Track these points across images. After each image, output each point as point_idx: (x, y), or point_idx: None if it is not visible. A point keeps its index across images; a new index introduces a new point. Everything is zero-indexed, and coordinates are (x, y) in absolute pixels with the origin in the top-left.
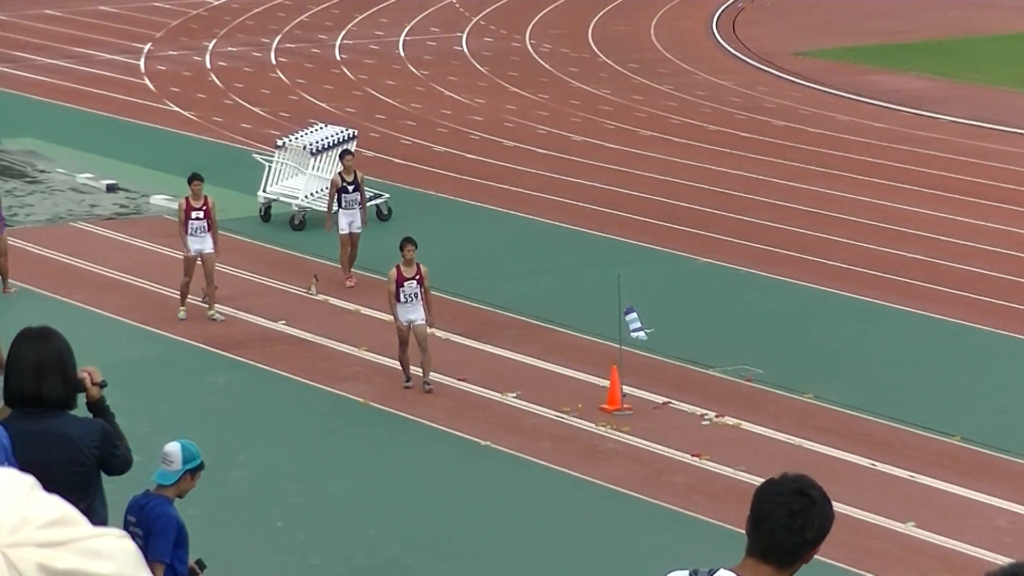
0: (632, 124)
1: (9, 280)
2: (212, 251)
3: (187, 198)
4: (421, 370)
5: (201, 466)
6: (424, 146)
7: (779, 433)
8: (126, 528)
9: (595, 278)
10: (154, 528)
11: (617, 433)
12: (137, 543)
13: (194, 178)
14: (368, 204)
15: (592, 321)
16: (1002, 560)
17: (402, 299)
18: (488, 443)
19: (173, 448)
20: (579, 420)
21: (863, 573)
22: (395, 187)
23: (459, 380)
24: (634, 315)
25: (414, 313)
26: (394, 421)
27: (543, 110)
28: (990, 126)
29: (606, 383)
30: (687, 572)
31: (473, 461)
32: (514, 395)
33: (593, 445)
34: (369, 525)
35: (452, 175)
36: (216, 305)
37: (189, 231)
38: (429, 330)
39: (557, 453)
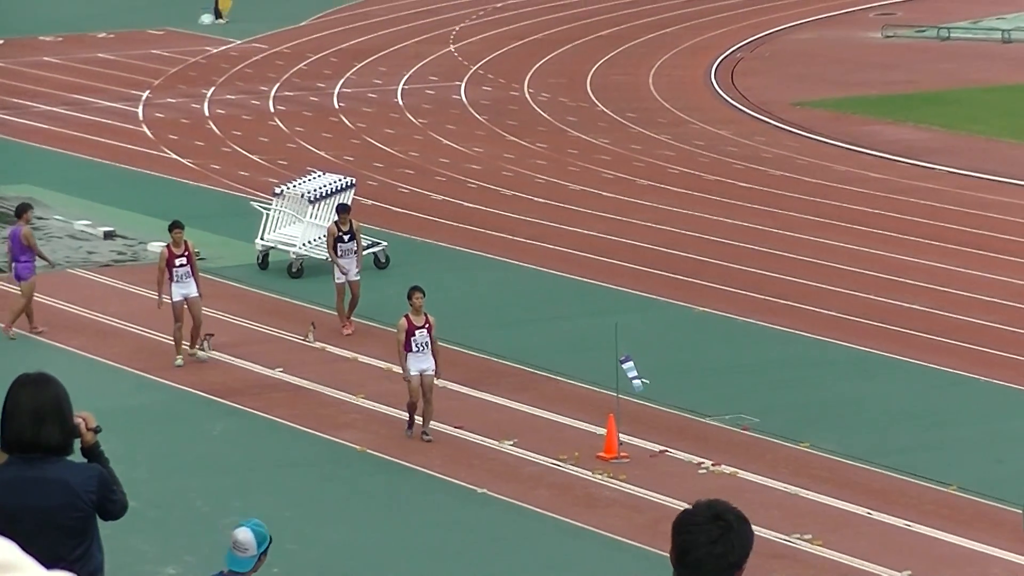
0: (630, 173)
1: (18, 326)
2: (198, 295)
3: (168, 246)
4: (422, 419)
5: (271, 541)
6: (422, 194)
7: (776, 482)
8: None
9: (592, 327)
10: None
11: (614, 481)
12: None
13: (175, 226)
14: (366, 252)
15: (589, 370)
16: None
17: (413, 348)
18: (485, 491)
19: (246, 537)
20: (576, 468)
21: None
22: (393, 235)
23: (456, 428)
24: (631, 364)
25: (425, 362)
26: (391, 468)
27: (541, 159)
28: (987, 177)
29: (603, 431)
30: None
31: (470, 509)
32: (511, 443)
33: (590, 493)
34: (366, 572)
35: (450, 223)
36: (184, 345)
37: (174, 278)
38: (436, 381)
39: (554, 501)
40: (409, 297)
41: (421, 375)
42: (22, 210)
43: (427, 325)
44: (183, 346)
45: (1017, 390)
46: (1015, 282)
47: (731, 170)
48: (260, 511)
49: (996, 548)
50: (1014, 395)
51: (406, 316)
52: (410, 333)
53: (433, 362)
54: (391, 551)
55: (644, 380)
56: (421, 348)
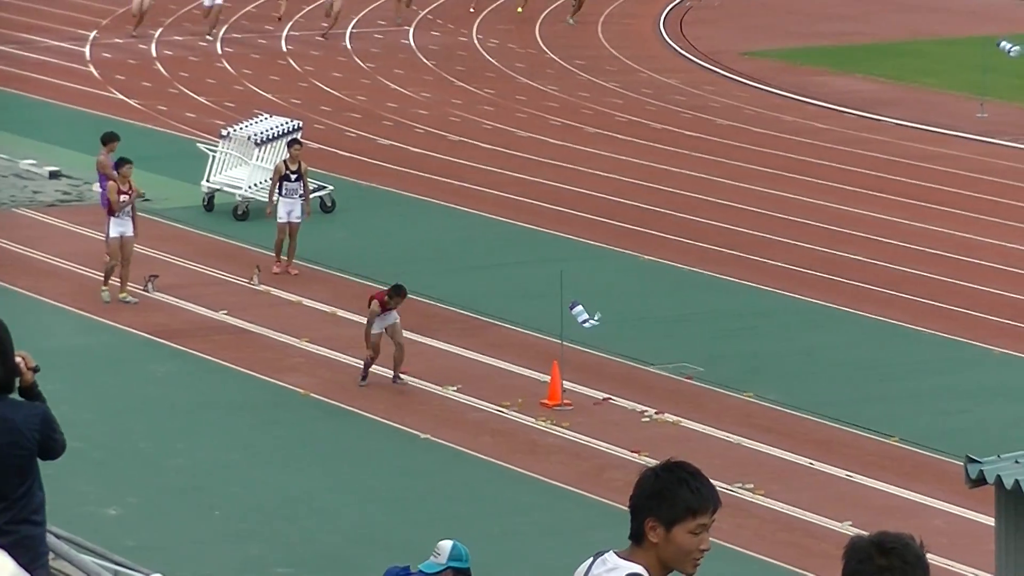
0: (578, 121)
1: None
2: (133, 235)
3: (116, 182)
4: (394, 360)
5: (467, 572)
6: (369, 139)
7: (719, 431)
8: None
9: (538, 274)
10: None
11: (557, 428)
12: None
13: (124, 162)
14: (312, 196)
15: (534, 317)
16: (940, 561)
17: (376, 322)
18: (428, 436)
19: (445, 543)
20: (520, 415)
21: (800, 571)
22: (339, 179)
23: (401, 373)
24: (580, 308)
25: (390, 319)
26: (335, 413)
27: (489, 105)
28: (935, 130)
29: (547, 379)
30: (591, 558)
31: (413, 454)
32: (455, 389)
33: (533, 440)
34: (309, 516)
35: (396, 168)
36: (128, 286)
37: (116, 214)
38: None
39: (497, 448)
40: (390, 296)
41: (385, 330)
42: None
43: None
44: (113, 283)
45: (961, 342)
46: (958, 234)
47: (679, 119)
48: (204, 454)
49: (938, 500)
50: (958, 347)
51: (381, 300)
52: (382, 311)
53: (397, 316)
54: (334, 495)
55: (595, 320)
56: (382, 322)
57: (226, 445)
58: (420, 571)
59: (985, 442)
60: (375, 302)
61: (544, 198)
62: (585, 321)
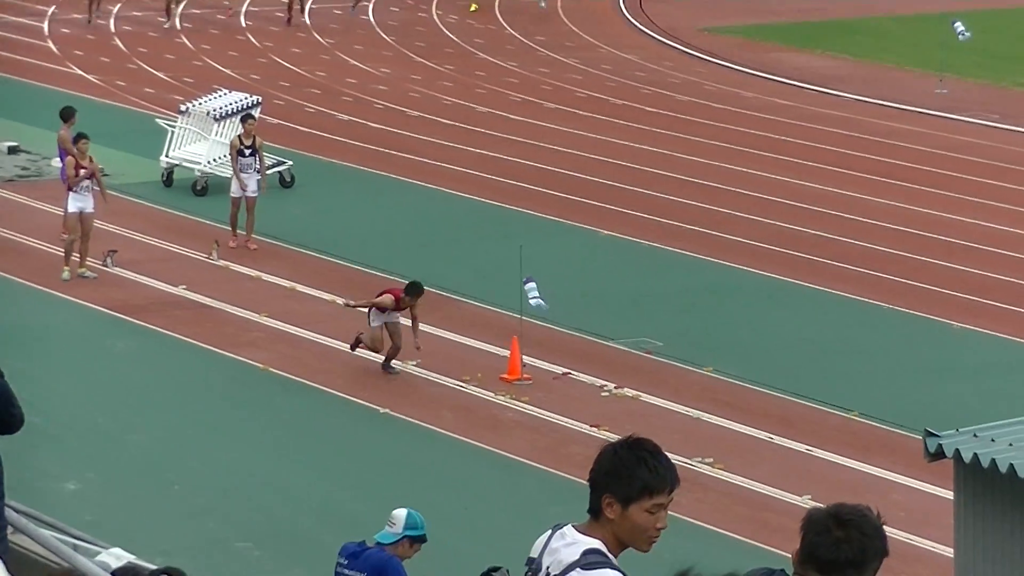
0: (537, 96)
1: None
2: (93, 211)
3: (75, 157)
4: (387, 355)
5: (423, 538)
6: (328, 114)
7: (678, 406)
8: (337, 570)
9: (497, 250)
10: (388, 572)
11: (517, 403)
12: None
13: (81, 137)
14: (271, 171)
15: (494, 292)
16: (899, 535)
17: (386, 315)
18: (387, 411)
19: (399, 512)
20: (479, 390)
21: (760, 545)
22: (298, 154)
23: (360, 348)
24: (533, 285)
25: (392, 316)
26: (293, 387)
27: (448, 81)
28: (896, 105)
29: (506, 353)
30: (549, 531)
31: (372, 429)
32: (414, 364)
33: (493, 415)
34: (268, 491)
35: (356, 144)
36: (88, 262)
37: (74, 189)
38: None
39: (457, 422)
40: (407, 293)
41: (385, 325)
42: None
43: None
44: (73, 259)
45: (921, 318)
46: (919, 210)
47: (639, 95)
48: (163, 429)
49: (897, 474)
50: (918, 323)
51: (396, 298)
52: (393, 310)
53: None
54: (292, 470)
55: (543, 302)
56: (384, 318)
57: (185, 420)
58: (377, 542)
59: (944, 416)
60: (389, 297)
61: (504, 174)
62: (535, 299)
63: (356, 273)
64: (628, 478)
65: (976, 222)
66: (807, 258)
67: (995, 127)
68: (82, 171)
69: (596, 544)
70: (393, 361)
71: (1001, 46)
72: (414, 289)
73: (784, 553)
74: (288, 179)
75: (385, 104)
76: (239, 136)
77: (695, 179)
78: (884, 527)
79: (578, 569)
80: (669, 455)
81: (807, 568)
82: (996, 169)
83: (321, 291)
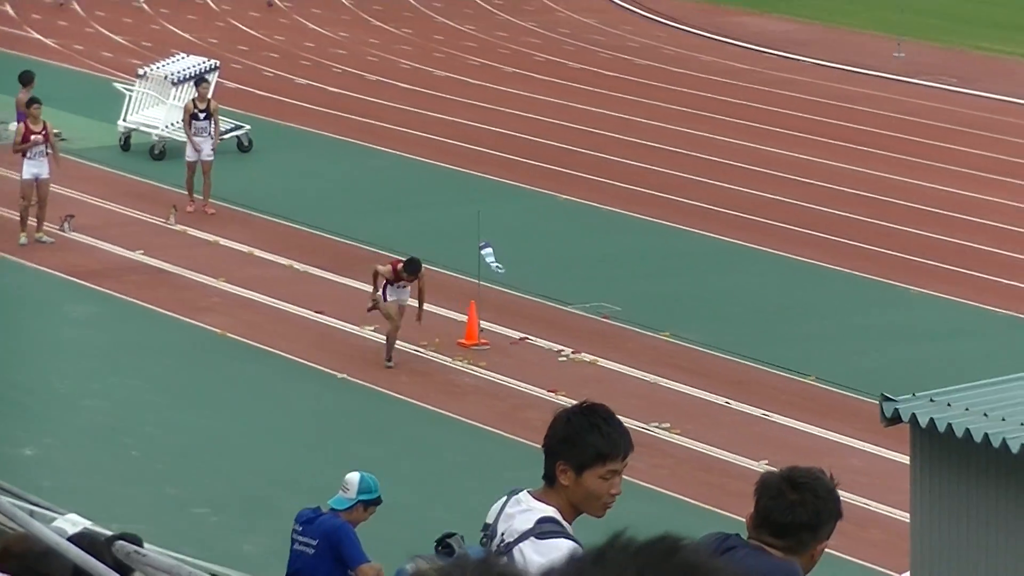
0: (496, 61)
1: None
2: (48, 176)
3: (26, 122)
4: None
5: (377, 501)
6: (286, 79)
7: (635, 370)
8: (292, 536)
9: (456, 214)
10: (340, 541)
11: (474, 368)
12: (306, 552)
13: (33, 102)
14: (229, 136)
15: (452, 257)
16: (856, 500)
17: (389, 294)
18: (345, 376)
19: (352, 477)
20: (437, 355)
21: (716, 510)
22: (257, 119)
23: (317, 313)
24: (489, 250)
25: (404, 295)
26: (252, 353)
27: (406, 45)
28: (853, 69)
29: (464, 319)
30: (505, 496)
31: (331, 394)
32: (372, 329)
33: (450, 380)
34: (227, 456)
35: (314, 108)
36: (45, 226)
37: (28, 155)
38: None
39: (415, 387)
40: (404, 270)
41: (399, 303)
42: None
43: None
44: (30, 223)
45: (878, 282)
46: (876, 174)
47: (597, 59)
48: (121, 394)
49: (854, 439)
50: (875, 287)
51: (394, 268)
52: (393, 281)
53: (408, 293)
54: (251, 436)
55: (499, 267)
56: (398, 294)
57: (143, 386)
58: (331, 508)
59: (901, 381)
60: (387, 267)
61: (462, 138)
62: (493, 263)
63: (314, 238)
64: (582, 445)
65: (933, 186)
66: (764, 222)
67: (953, 91)
68: (32, 137)
69: (551, 512)
70: (355, 327)
71: (959, 8)
72: (411, 267)
73: (740, 518)
74: (246, 143)
75: (343, 68)
76: (193, 100)
77: (653, 143)
78: (837, 489)
79: (532, 538)
80: (626, 420)
81: (761, 532)
82: (953, 133)
83: (279, 256)
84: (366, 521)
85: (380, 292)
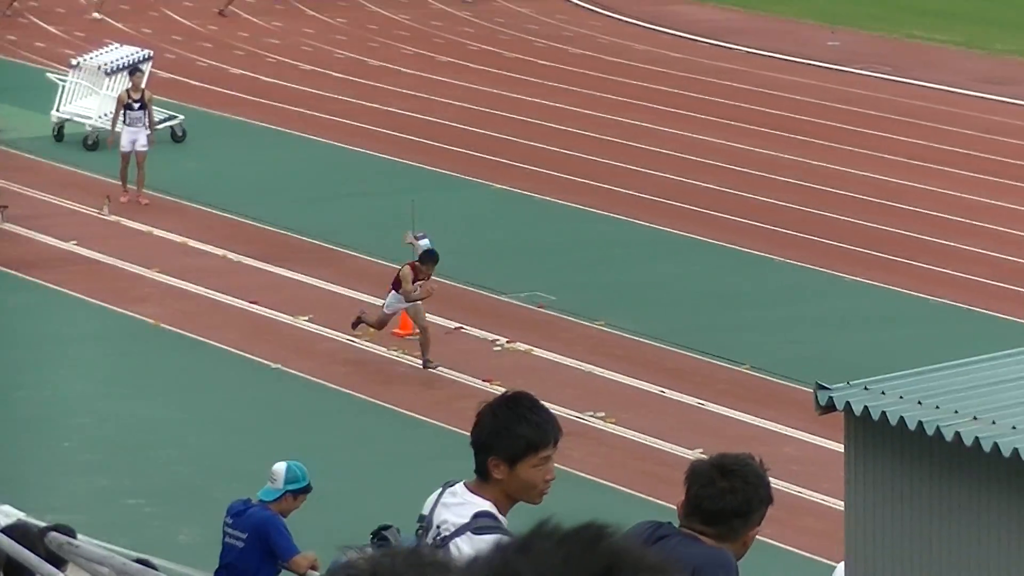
0: (430, 50)
1: None
2: None
3: None
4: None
5: (307, 489)
6: (220, 68)
7: (571, 360)
8: (223, 528)
9: (390, 204)
10: (268, 534)
11: (409, 358)
12: (236, 546)
13: None
14: (163, 126)
15: (386, 246)
16: (790, 488)
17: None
18: (279, 366)
19: (279, 467)
20: (371, 344)
21: (651, 499)
22: (190, 108)
23: (251, 303)
24: (426, 241)
25: (398, 301)
26: (186, 343)
27: (340, 34)
28: (786, 58)
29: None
30: (440, 488)
31: (265, 384)
32: (307, 319)
33: (385, 370)
34: (160, 446)
35: (249, 98)
36: None
37: None
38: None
39: (350, 377)
40: (422, 261)
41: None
42: None
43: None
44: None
45: (812, 270)
46: (811, 163)
47: (532, 48)
48: (54, 385)
49: (788, 427)
50: (810, 275)
51: (412, 267)
52: (415, 281)
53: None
54: (184, 426)
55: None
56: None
57: (76, 376)
58: (260, 500)
59: (835, 369)
60: (406, 268)
61: (396, 127)
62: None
63: (249, 228)
64: (511, 437)
65: (867, 174)
66: (698, 211)
67: (886, 79)
68: None
69: (486, 506)
70: (290, 316)
71: None
72: (430, 256)
73: (675, 506)
74: (180, 133)
75: (277, 58)
76: (127, 90)
77: (587, 132)
78: (768, 475)
79: (468, 533)
80: (561, 409)
81: (693, 520)
82: (887, 121)
83: (214, 246)
84: (299, 509)
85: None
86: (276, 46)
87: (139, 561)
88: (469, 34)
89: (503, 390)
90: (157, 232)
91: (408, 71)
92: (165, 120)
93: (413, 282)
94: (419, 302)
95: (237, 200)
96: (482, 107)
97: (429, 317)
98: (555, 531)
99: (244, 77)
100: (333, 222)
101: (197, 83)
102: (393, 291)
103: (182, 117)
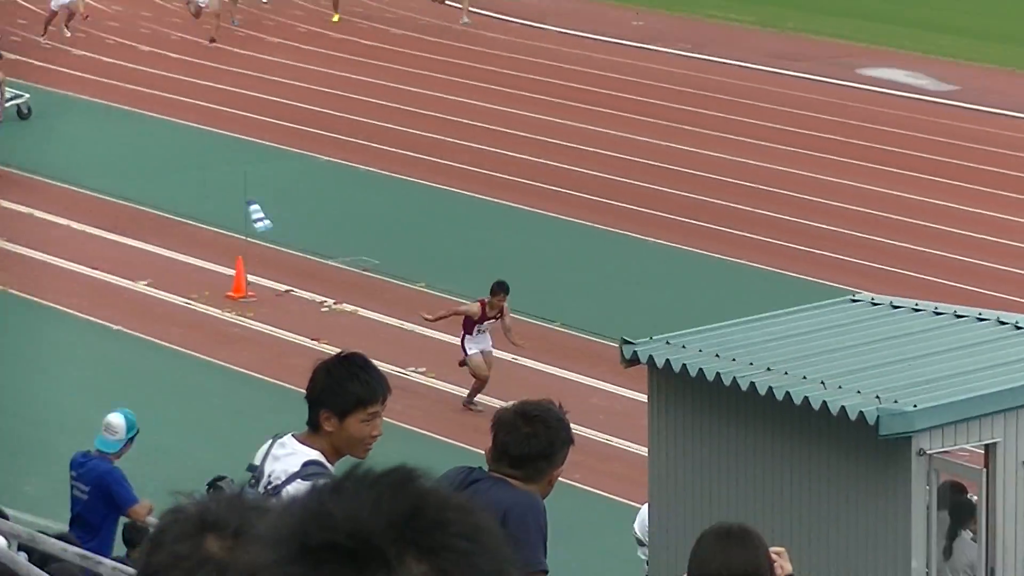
0: (261, 32)
1: None
2: None
3: None
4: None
5: (137, 432)
6: (63, 50)
7: (392, 319)
8: (70, 482)
9: (224, 175)
10: (109, 486)
11: (242, 319)
12: (81, 498)
13: None
14: (9, 104)
15: (219, 215)
16: (598, 436)
17: (474, 332)
18: (120, 328)
19: (117, 420)
20: (206, 307)
21: (467, 447)
22: (34, 87)
23: (92, 269)
24: (256, 207)
25: (485, 343)
26: (27, 306)
27: (177, 17)
28: (593, 37)
29: (232, 272)
30: (270, 439)
31: (106, 344)
32: (145, 283)
33: (220, 331)
34: (4, 403)
35: (90, 77)
36: None
37: None
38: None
39: (187, 338)
40: (493, 294)
41: (483, 354)
42: None
43: (499, 315)
44: None
45: (620, 234)
46: (617, 135)
47: (357, 29)
48: None
49: (596, 380)
50: (617, 239)
51: (481, 304)
52: (479, 320)
53: (491, 341)
54: (25, 384)
55: (267, 222)
56: (483, 331)
57: None
58: (99, 451)
59: (640, 326)
60: (475, 305)
61: (229, 104)
62: (259, 220)
63: (90, 199)
64: (342, 393)
65: (664, 143)
66: (508, 179)
67: (686, 56)
68: None
69: (315, 455)
70: (130, 281)
71: None
72: (500, 286)
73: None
74: (26, 111)
75: (117, 40)
76: None
77: (404, 106)
78: (567, 417)
79: (298, 480)
80: (384, 365)
81: (501, 465)
82: (683, 95)
83: (59, 217)
84: (139, 463)
85: (461, 344)
86: (115, 28)
87: None
88: (298, 16)
89: (331, 349)
90: (3, 203)
91: (242, 52)
92: (12, 98)
93: (479, 323)
94: (493, 350)
95: (79, 173)
96: (309, 84)
97: (261, 281)
98: (367, 474)
99: (85, 58)
100: (169, 192)
101: (41, 64)
102: (468, 334)
103: (28, 96)
